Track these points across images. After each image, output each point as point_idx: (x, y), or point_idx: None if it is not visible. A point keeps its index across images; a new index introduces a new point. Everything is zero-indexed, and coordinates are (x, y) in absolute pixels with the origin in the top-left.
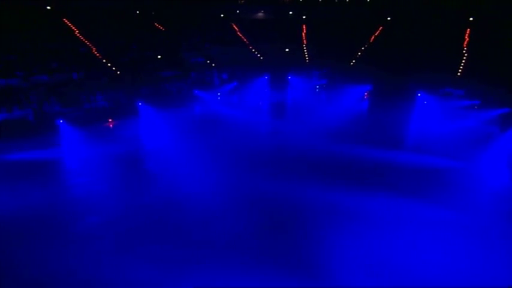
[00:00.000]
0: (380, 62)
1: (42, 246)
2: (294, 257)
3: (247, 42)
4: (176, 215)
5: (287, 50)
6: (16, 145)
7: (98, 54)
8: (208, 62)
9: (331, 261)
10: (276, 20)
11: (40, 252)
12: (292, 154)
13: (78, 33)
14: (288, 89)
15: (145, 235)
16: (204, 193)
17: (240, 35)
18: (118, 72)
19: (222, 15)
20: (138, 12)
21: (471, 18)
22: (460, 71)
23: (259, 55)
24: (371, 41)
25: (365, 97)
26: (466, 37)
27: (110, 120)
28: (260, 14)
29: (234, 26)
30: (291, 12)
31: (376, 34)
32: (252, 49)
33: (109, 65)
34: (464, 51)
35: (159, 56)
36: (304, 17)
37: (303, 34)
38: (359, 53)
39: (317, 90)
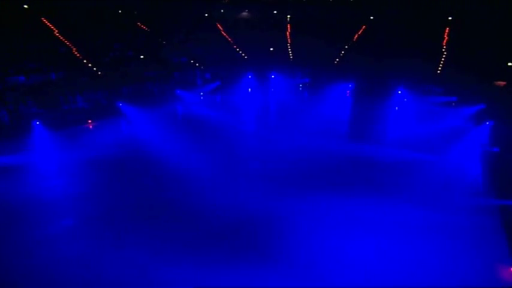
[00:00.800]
0: (363, 60)
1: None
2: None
3: (231, 42)
4: (154, 218)
5: (271, 49)
6: None
7: (78, 54)
8: (191, 61)
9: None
10: (260, 20)
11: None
12: (272, 155)
13: (57, 32)
14: (271, 87)
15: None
16: (183, 195)
17: (225, 34)
18: (99, 73)
19: (206, 15)
20: (120, 11)
21: (450, 18)
22: (439, 68)
23: (243, 54)
24: (354, 39)
25: (347, 95)
26: (445, 36)
27: (90, 121)
28: (244, 14)
29: (218, 25)
30: (275, 12)
31: (359, 33)
32: (236, 48)
33: (90, 65)
34: (443, 50)
35: (141, 56)
36: (288, 16)
37: (287, 33)
38: (342, 52)
39: (300, 88)
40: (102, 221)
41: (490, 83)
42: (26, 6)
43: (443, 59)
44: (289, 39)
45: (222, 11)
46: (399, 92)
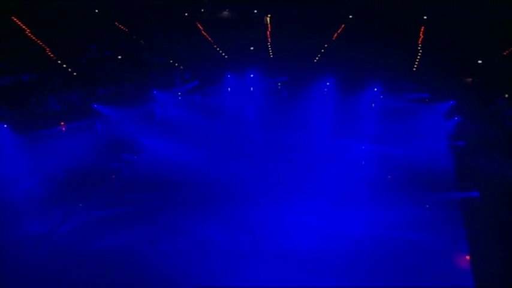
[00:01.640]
0: (341, 58)
1: None
2: None
3: (211, 41)
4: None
5: (252, 48)
6: None
7: (51, 55)
8: (170, 61)
9: None
10: (240, 19)
11: None
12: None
13: (29, 32)
14: (250, 86)
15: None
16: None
17: (205, 34)
18: (74, 74)
19: (186, 14)
20: (97, 11)
21: (425, 17)
22: (415, 66)
23: (223, 54)
24: (334, 38)
25: (325, 92)
26: (421, 34)
27: (62, 123)
28: (225, 13)
29: (198, 25)
30: (255, 11)
31: (338, 31)
32: (216, 48)
33: (64, 65)
34: (419, 48)
35: (119, 56)
36: (269, 15)
37: (268, 32)
38: (322, 50)
39: (279, 87)
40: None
41: (461, 80)
42: None
43: (418, 57)
44: (269, 38)
45: (202, 10)
46: (375, 89)
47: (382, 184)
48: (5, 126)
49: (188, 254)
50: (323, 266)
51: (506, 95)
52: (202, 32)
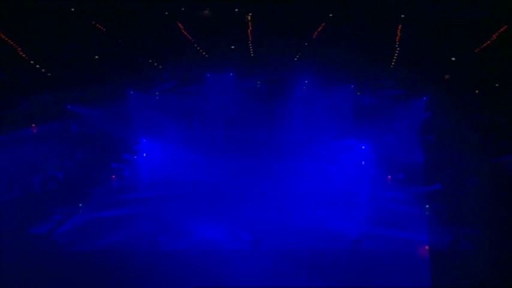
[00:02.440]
0: (320, 55)
1: None
2: None
3: (191, 40)
4: None
5: (232, 47)
6: None
7: (23, 55)
8: (150, 61)
9: None
10: (222, 18)
11: None
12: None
13: None
14: (229, 86)
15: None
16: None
17: (185, 33)
18: (49, 74)
19: (166, 13)
20: (73, 9)
21: (403, 16)
22: (392, 63)
23: (204, 53)
24: (314, 36)
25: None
26: (398, 32)
27: (33, 125)
28: (206, 12)
29: (179, 24)
30: (236, 10)
31: (319, 30)
32: (196, 47)
33: (37, 66)
34: (396, 45)
35: (96, 56)
36: (250, 14)
37: (249, 31)
38: (300, 49)
39: (258, 85)
40: None
41: (436, 77)
42: None
43: (396, 55)
44: (250, 37)
45: (182, 9)
46: (352, 86)
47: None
48: None
49: (188, 254)
50: (323, 266)
51: (477, 91)
52: (183, 31)
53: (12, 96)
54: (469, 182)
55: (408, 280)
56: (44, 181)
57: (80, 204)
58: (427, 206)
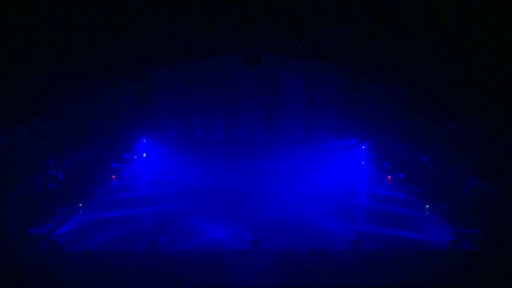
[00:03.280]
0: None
1: None
2: None
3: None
4: None
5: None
6: None
7: None
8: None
9: None
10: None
11: None
12: None
13: None
14: None
15: None
16: None
17: None
18: None
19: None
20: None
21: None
22: None
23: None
24: None
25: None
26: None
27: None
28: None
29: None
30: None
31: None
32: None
33: None
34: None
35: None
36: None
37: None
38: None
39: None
40: None
41: None
42: None
43: None
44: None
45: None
46: None
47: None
48: None
49: (188, 254)
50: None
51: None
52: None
53: None
54: (469, 182)
55: (408, 280)
56: (44, 181)
57: (80, 204)
58: (427, 206)
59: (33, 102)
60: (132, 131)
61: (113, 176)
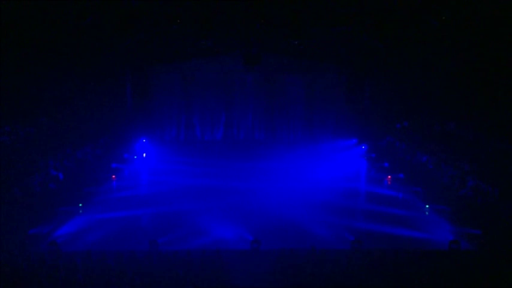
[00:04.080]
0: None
1: None
2: None
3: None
4: None
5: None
6: None
7: None
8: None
9: None
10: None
11: None
12: None
13: None
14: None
15: None
16: None
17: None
18: None
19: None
20: None
21: None
22: None
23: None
24: None
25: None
26: None
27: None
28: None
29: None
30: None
31: None
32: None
33: None
34: None
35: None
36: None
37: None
38: None
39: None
40: None
41: None
42: None
43: None
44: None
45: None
46: None
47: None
48: None
49: (188, 254)
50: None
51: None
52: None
53: None
54: (469, 182)
55: (408, 280)
56: (44, 181)
57: (80, 204)
58: (427, 206)
59: (34, 102)
60: (132, 131)
61: (113, 176)
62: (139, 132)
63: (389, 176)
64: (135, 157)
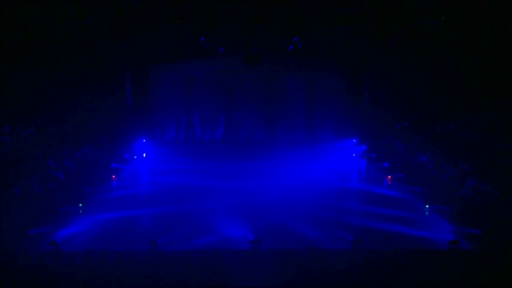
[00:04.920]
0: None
1: None
2: None
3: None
4: None
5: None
6: None
7: None
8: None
9: None
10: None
11: None
12: None
13: None
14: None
15: None
16: None
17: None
18: None
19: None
20: None
21: None
22: None
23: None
24: None
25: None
26: None
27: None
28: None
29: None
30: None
31: None
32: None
33: None
34: None
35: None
36: None
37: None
38: None
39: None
40: None
41: None
42: None
43: None
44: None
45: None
46: None
47: None
48: None
49: (188, 254)
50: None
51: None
52: None
53: None
54: (469, 182)
55: (408, 280)
56: (44, 181)
57: (80, 204)
58: (427, 206)
59: (33, 102)
60: (132, 131)
61: (113, 176)
62: (139, 132)
63: (389, 176)
64: (135, 157)
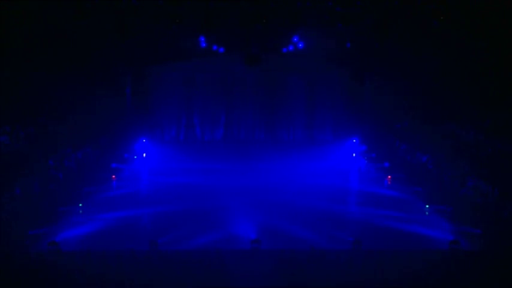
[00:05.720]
0: None
1: None
2: None
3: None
4: None
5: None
6: None
7: None
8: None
9: None
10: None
11: None
12: None
13: None
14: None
15: None
16: None
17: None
18: None
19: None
20: None
21: None
22: None
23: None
24: None
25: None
26: None
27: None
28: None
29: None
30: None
31: None
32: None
33: None
34: None
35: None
36: None
37: None
38: None
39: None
40: None
41: None
42: None
43: None
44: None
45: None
46: None
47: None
48: None
49: (188, 254)
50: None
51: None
52: None
53: None
54: (469, 182)
55: (408, 280)
56: (44, 181)
57: (80, 204)
58: (427, 206)
59: (33, 102)
60: (132, 131)
61: (113, 176)
62: (139, 132)
63: (389, 176)
64: (135, 157)
